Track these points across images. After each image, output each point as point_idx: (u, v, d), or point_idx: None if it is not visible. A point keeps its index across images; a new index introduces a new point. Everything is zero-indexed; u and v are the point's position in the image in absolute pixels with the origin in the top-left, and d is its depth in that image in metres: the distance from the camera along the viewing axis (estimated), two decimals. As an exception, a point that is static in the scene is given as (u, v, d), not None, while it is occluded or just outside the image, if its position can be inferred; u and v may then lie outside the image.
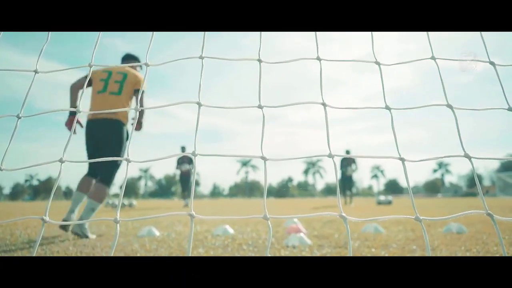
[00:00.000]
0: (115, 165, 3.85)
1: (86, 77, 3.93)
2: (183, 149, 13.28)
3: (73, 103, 3.82)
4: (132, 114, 4.06)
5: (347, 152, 13.77)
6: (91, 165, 3.87)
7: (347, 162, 13.46)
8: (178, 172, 13.14)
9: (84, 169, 3.91)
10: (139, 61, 4.19)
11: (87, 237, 3.53)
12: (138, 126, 3.95)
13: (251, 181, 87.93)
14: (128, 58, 4.22)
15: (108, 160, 3.40)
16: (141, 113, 3.91)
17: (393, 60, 1.16)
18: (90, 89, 3.92)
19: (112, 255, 0.82)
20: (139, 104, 3.90)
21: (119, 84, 3.81)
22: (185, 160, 12.82)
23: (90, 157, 3.85)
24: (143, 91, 3.79)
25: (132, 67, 4.05)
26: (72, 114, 3.79)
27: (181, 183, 13.42)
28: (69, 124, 3.77)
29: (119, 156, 3.81)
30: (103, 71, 3.91)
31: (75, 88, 3.85)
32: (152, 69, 1.14)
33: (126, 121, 3.91)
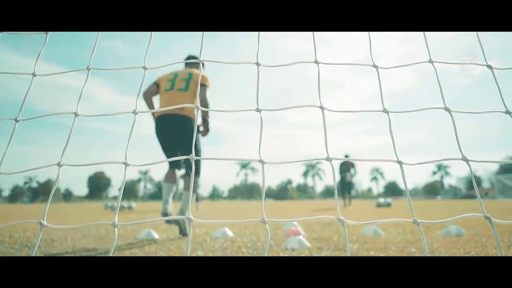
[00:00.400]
0: (197, 155, 3.98)
1: (154, 83, 4.11)
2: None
3: (150, 107, 4.08)
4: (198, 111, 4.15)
5: (346, 156, 13.79)
6: (170, 157, 3.94)
7: (346, 167, 13.44)
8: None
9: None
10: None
11: (185, 233, 3.87)
12: (205, 131, 4.12)
13: (251, 184, 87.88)
14: (191, 59, 4.35)
15: (188, 151, 3.47)
16: (206, 112, 4.04)
17: (393, 63, 1.17)
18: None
19: (113, 256, 0.82)
20: (200, 100, 4.03)
21: (185, 81, 3.98)
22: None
23: (167, 151, 4.02)
24: (206, 86, 3.97)
25: (195, 67, 4.29)
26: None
27: None
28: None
29: (197, 147, 4.02)
30: (169, 73, 4.13)
31: (147, 95, 4.09)
32: (152, 71, 1.14)
33: (193, 116, 4.01)
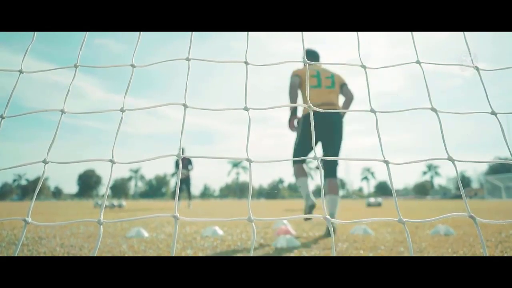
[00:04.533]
0: (338, 155, 4.03)
1: (297, 75, 4.07)
2: (182, 150, 13.07)
3: (294, 100, 4.07)
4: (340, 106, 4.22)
5: None
6: (306, 153, 4.05)
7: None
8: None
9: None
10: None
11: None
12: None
13: (242, 182, 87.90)
14: (315, 55, 4.41)
15: (332, 151, 3.74)
16: (350, 102, 4.14)
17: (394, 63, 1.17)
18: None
19: (97, 256, 0.82)
20: (350, 98, 4.10)
21: (330, 79, 4.10)
22: (186, 161, 12.58)
23: (305, 149, 4.03)
24: (347, 84, 4.16)
25: (316, 63, 4.30)
26: (293, 114, 4.10)
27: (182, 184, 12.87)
28: (292, 124, 4.10)
29: (340, 145, 4.01)
30: (303, 69, 4.14)
31: (294, 87, 4.07)
32: (146, 70, 1.13)
33: (342, 113, 4.06)
